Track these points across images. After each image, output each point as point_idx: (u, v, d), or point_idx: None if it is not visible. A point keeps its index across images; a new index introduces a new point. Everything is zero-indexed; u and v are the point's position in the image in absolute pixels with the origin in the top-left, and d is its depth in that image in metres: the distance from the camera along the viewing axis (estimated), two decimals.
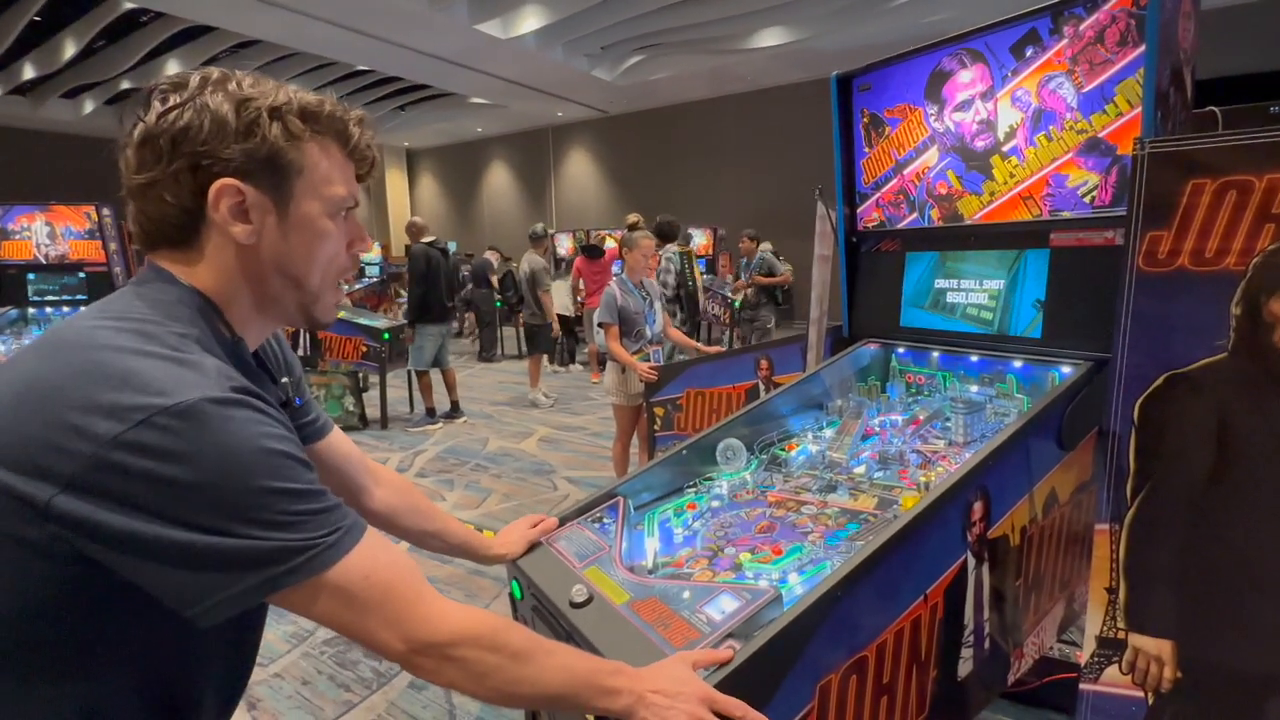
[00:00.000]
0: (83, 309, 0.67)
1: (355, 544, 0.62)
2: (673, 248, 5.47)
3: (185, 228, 0.66)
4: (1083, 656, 1.22)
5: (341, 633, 0.64)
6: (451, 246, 8.33)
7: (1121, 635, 1.17)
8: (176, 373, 0.56)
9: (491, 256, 9.17)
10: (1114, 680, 1.18)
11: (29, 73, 9.99)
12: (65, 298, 4.82)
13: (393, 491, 1.06)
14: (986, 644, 1.23)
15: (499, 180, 15.97)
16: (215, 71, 0.68)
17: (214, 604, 0.56)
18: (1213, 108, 2.42)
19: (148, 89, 0.66)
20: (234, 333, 0.70)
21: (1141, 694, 1.16)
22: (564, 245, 10.09)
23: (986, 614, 1.22)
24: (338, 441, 0.98)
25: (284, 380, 0.83)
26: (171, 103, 0.64)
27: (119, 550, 0.54)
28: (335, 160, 0.71)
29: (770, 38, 9.26)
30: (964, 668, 1.19)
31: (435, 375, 5.66)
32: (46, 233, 4.74)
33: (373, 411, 5.62)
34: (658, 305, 3.51)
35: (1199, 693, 1.12)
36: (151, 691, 0.65)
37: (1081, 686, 1.22)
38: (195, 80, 0.66)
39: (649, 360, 3.30)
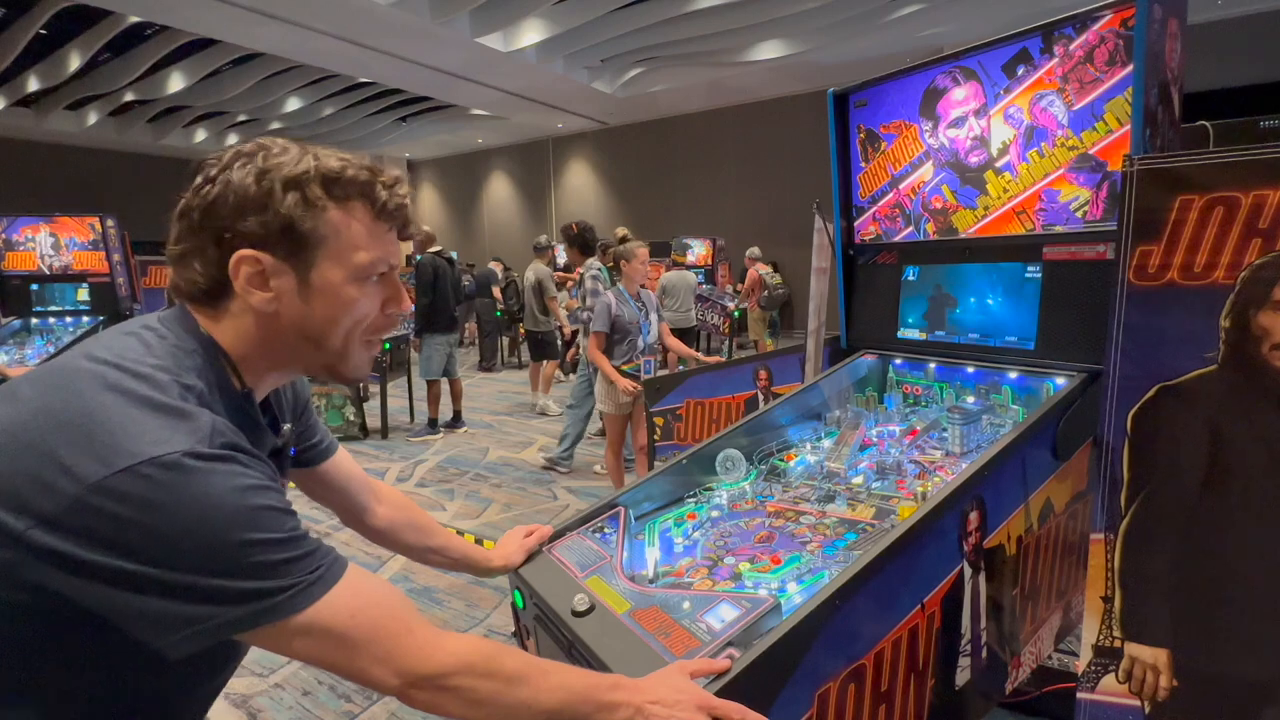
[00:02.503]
0: (101, 336, 0.69)
1: (335, 582, 0.64)
2: (594, 262, 4.45)
3: (214, 293, 0.70)
4: (1080, 665, 1.23)
5: (335, 672, 0.66)
6: (453, 254, 8.37)
7: (1118, 644, 1.18)
8: (169, 424, 0.59)
9: (495, 267, 9.24)
10: (1111, 689, 1.19)
11: (34, 85, 10.06)
12: (69, 308, 4.84)
13: (394, 509, 1.08)
14: (984, 653, 1.24)
15: (499, 191, 16.06)
16: (252, 144, 0.71)
17: (184, 637, 0.58)
18: (1204, 122, 2.45)
19: (194, 166, 0.71)
20: (244, 384, 0.73)
21: (1138, 703, 1.17)
22: (564, 256, 10.13)
23: (983, 623, 1.23)
24: (342, 462, 1.01)
25: (286, 427, 0.84)
26: (207, 177, 0.69)
27: (92, 581, 0.56)
28: (363, 224, 0.72)
29: (768, 51, 9.36)
30: (961, 676, 1.20)
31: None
32: (51, 244, 4.77)
33: (373, 421, 5.63)
34: (653, 316, 3.53)
35: (1196, 701, 1.13)
36: None
37: (1079, 695, 1.22)
38: (230, 154, 0.70)
39: (639, 370, 3.32)
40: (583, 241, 4.61)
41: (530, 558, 1.22)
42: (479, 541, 1.22)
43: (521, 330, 7.49)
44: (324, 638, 0.63)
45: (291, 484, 0.93)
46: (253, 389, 0.75)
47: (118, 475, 0.55)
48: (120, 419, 0.58)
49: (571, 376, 7.90)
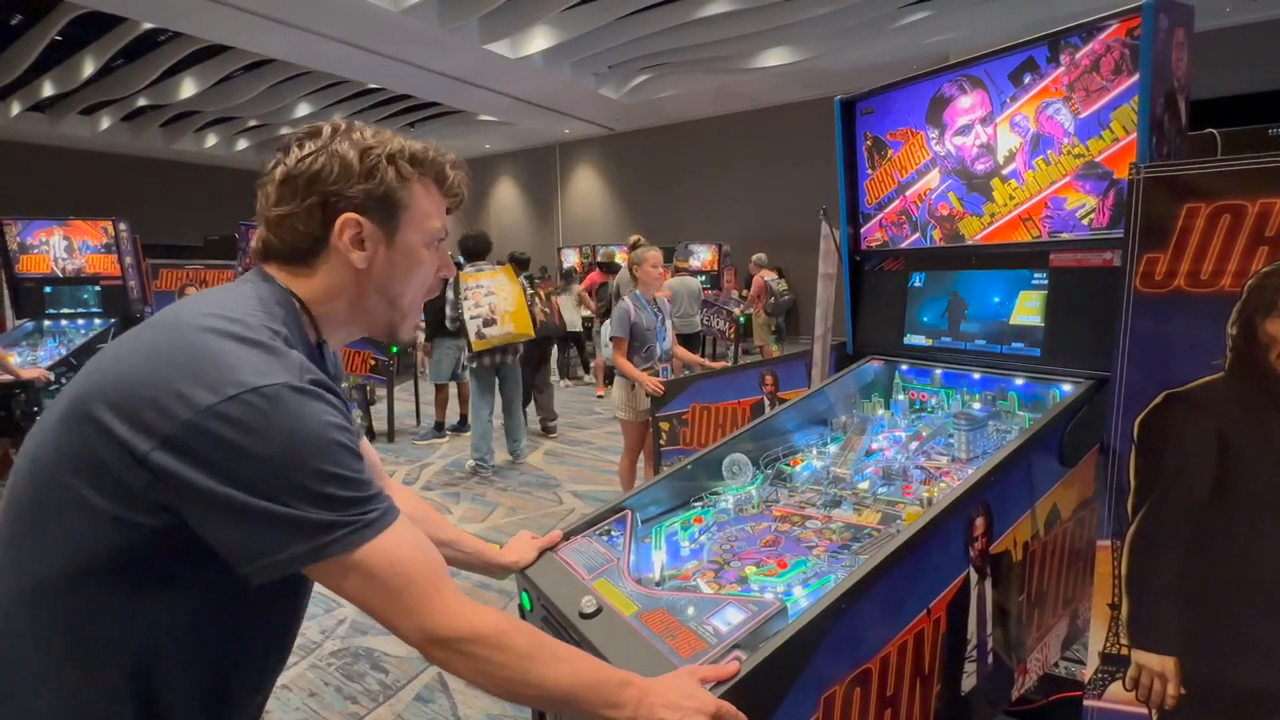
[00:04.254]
0: (189, 298, 0.77)
1: (386, 528, 0.69)
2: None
3: (309, 251, 0.78)
4: (1086, 673, 1.23)
5: (369, 613, 0.70)
6: (460, 259, 8.42)
7: (1125, 651, 1.18)
8: (267, 360, 0.66)
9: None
10: (1118, 697, 1.19)
11: (48, 90, 10.20)
12: (80, 310, 4.89)
13: (405, 502, 1.09)
14: (990, 659, 1.24)
15: (506, 196, 16.14)
16: (343, 122, 0.81)
17: (264, 565, 0.64)
18: (1212, 130, 2.45)
19: (289, 137, 0.80)
20: (320, 335, 0.82)
21: (1145, 710, 1.16)
22: (570, 260, 10.18)
23: (989, 629, 1.23)
24: (364, 449, 1.03)
25: (343, 385, 0.92)
26: (308, 149, 0.77)
27: (194, 504, 0.63)
28: (433, 197, 0.84)
29: (775, 57, 9.39)
30: (967, 682, 1.20)
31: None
32: (64, 247, 4.83)
33: (380, 424, 5.66)
34: (668, 323, 3.54)
35: (1203, 709, 1.12)
36: (197, 660, 0.72)
37: (1086, 703, 1.22)
38: (327, 130, 0.79)
39: (658, 377, 3.32)
40: (464, 249, 4.56)
41: (539, 557, 1.23)
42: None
43: None
44: (366, 580, 0.68)
45: None
46: (326, 340, 0.83)
47: (227, 402, 0.62)
48: (225, 353, 0.65)
49: (572, 382, 7.96)
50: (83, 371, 0.69)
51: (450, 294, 4.38)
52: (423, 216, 0.82)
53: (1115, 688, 1.19)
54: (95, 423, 0.63)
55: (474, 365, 4.45)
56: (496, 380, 4.59)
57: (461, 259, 4.59)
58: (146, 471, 0.62)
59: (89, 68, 9.32)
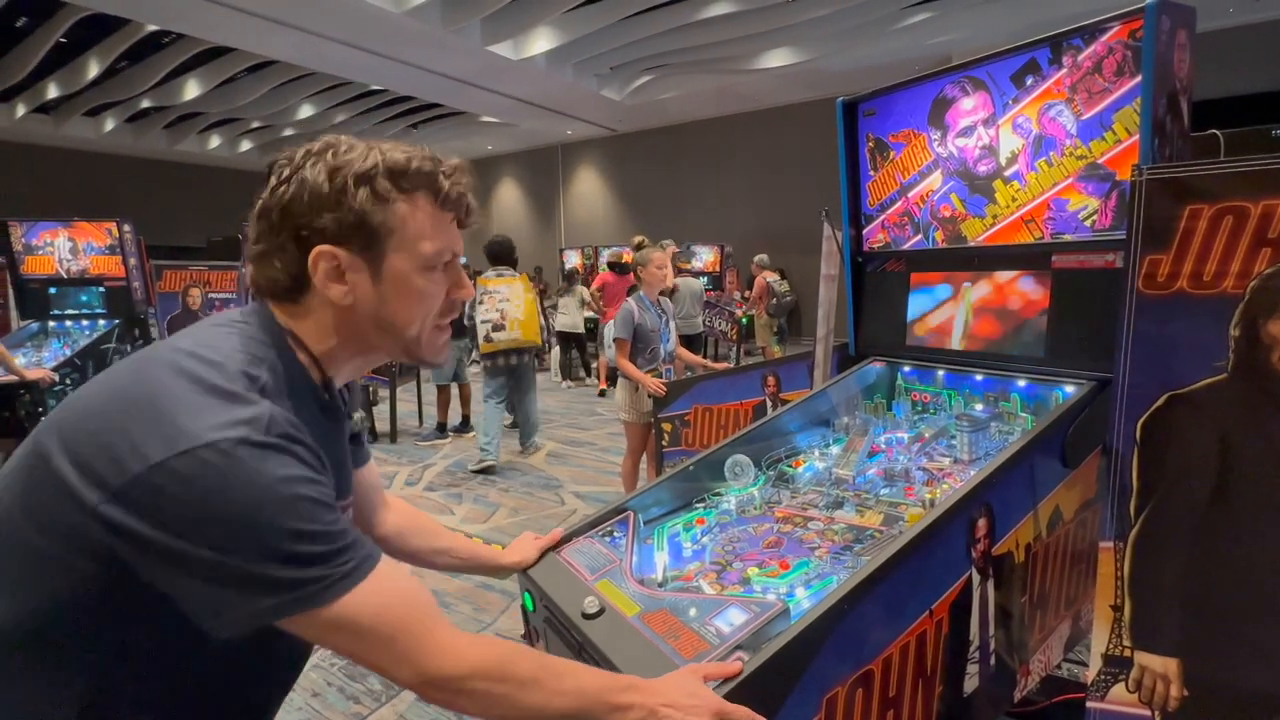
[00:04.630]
0: (191, 327, 0.73)
1: (364, 578, 0.66)
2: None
3: (294, 289, 0.73)
4: (1089, 675, 1.23)
5: (360, 664, 0.68)
6: (462, 260, 8.43)
7: (1128, 653, 1.18)
8: (228, 411, 0.62)
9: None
10: (1121, 699, 1.19)
11: (53, 92, 10.24)
12: (85, 311, 4.91)
13: (400, 515, 1.10)
14: (992, 660, 1.24)
15: (509, 197, 16.16)
16: (319, 142, 0.74)
17: (227, 620, 0.62)
18: (1215, 131, 2.45)
19: (268, 165, 0.74)
20: (325, 373, 0.77)
21: (1148, 712, 1.16)
22: (572, 261, 10.19)
23: (992, 630, 1.23)
24: (369, 473, 1.04)
25: (357, 415, 0.89)
26: (282, 176, 0.72)
27: (147, 558, 0.59)
28: (426, 214, 0.74)
29: (777, 58, 9.40)
30: (970, 684, 1.20)
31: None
32: (69, 248, 4.85)
33: (382, 425, 5.67)
34: (672, 324, 3.55)
35: (1206, 711, 1.12)
36: (160, 704, 0.68)
37: (1088, 704, 1.22)
38: (302, 152, 0.73)
39: (660, 378, 3.32)
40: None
41: (541, 557, 1.23)
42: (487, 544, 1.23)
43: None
44: (351, 631, 0.65)
45: None
46: (333, 377, 0.78)
47: (179, 457, 0.58)
48: (185, 402, 0.61)
49: (575, 383, 7.97)
50: (55, 409, 0.67)
51: (474, 292, 4.51)
52: (414, 239, 0.73)
53: (1118, 689, 1.19)
54: (48, 467, 0.61)
55: (486, 365, 4.65)
56: (507, 380, 4.73)
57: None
58: (96, 524, 0.59)
59: (93, 69, 9.36)
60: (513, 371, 4.71)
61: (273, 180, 0.72)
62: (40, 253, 4.85)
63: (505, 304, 4.52)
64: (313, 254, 0.70)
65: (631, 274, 7.11)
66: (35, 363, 4.28)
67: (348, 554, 0.65)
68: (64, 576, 0.61)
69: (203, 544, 0.58)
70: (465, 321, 4.65)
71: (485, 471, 4.61)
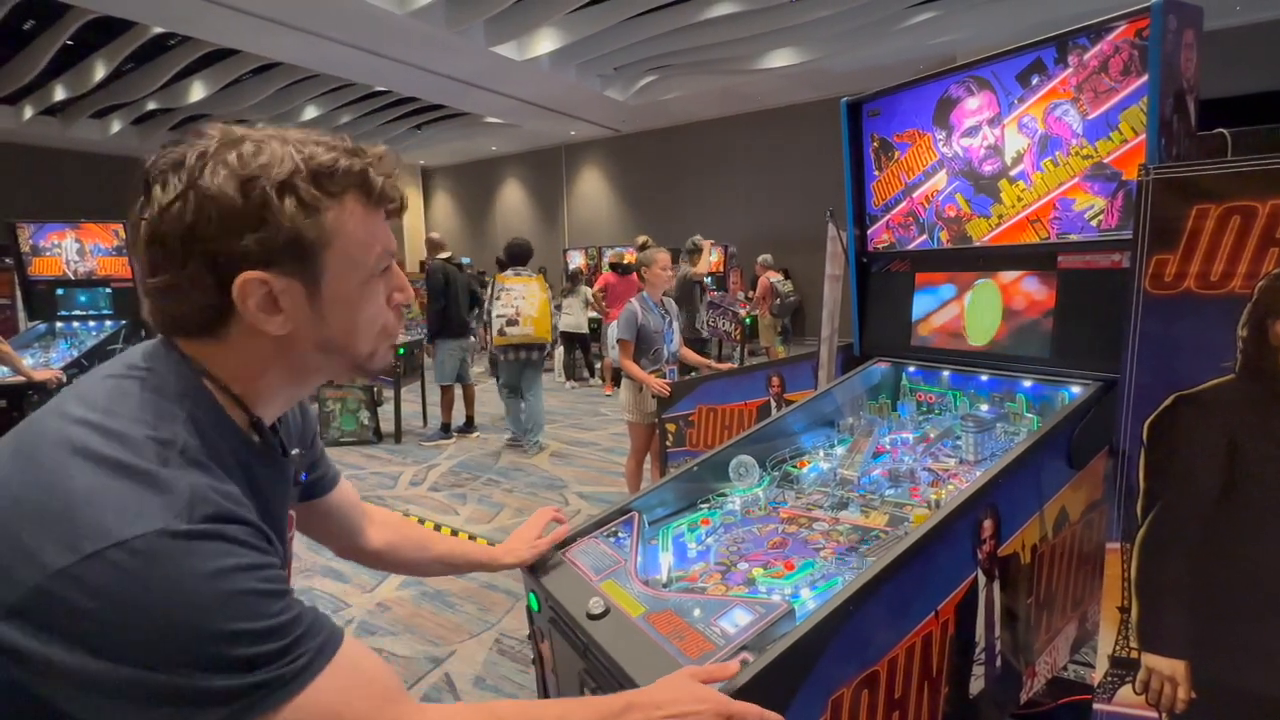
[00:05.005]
0: (80, 383, 0.61)
1: (320, 670, 0.56)
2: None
3: (212, 322, 0.61)
4: (1096, 677, 1.22)
5: None
6: (465, 260, 8.41)
7: (1135, 655, 1.18)
8: (141, 497, 0.52)
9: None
10: (1128, 701, 1.18)
11: (60, 94, 10.31)
12: (92, 312, 4.94)
13: (389, 529, 1.06)
14: (998, 662, 1.24)
15: (512, 198, 16.18)
16: (214, 137, 0.60)
17: None
18: (1222, 130, 2.43)
19: (143, 172, 0.59)
20: (251, 414, 0.65)
21: (1156, 715, 1.16)
22: (575, 261, 10.20)
23: (998, 632, 1.23)
24: (343, 491, 0.98)
25: (295, 452, 0.79)
26: (172, 192, 0.57)
27: (60, 684, 0.49)
28: (358, 217, 0.63)
29: (781, 59, 9.39)
30: (975, 685, 1.20)
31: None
32: (76, 249, 4.88)
33: (387, 426, 5.68)
34: (675, 325, 3.55)
35: (1215, 714, 1.12)
36: None
37: (1095, 706, 1.22)
38: (192, 157, 0.58)
39: (664, 379, 3.33)
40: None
41: (542, 560, 1.23)
42: (491, 544, 1.23)
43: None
44: None
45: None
46: (262, 416, 0.67)
47: (84, 562, 0.48)
48: (86, 492, 0.51)
49: (579, 383, 7.98)
50: None
51: (487, 290, 4.87)
52: (356, 248, 0.63)
53: (1125, 691, 1.18)
54: None
55: (500, 358, 5.09)
56: (517, 373, 5.09)
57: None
58: None
59: (100, 72, 9.41)
60: (522, 366, 5.00)
61: (158, 193, 0.58)
62: (48, 254, 4.88)
63: (520, 301, 4.84)
64: (237, 283, 0.58)
65: (634, 274, 7.13)
66: (43, 363, 4.31)
67: (300, 647, 0.56)
68: None
69: (123, 662, 0.48)
70: (483, 317, 5.04)
71: (514, 443, 5.28)
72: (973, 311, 1.70)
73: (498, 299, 4.83)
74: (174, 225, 0.57)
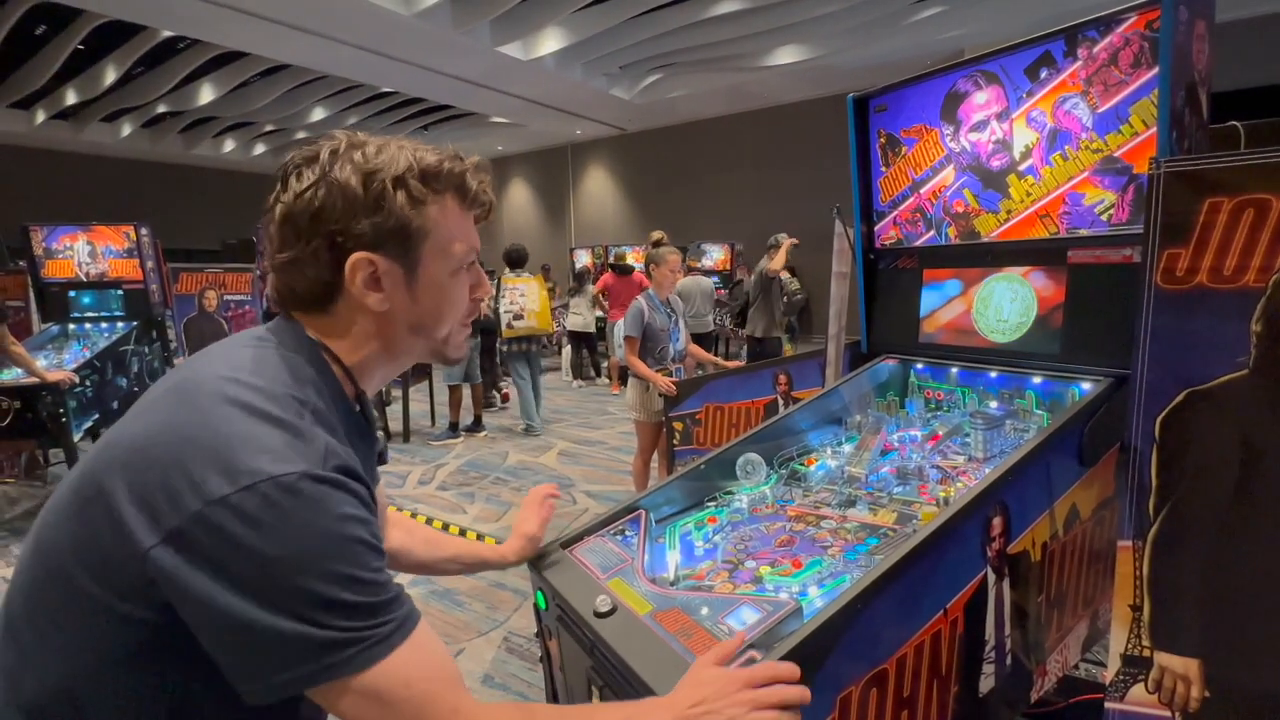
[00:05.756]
0: (212, 350, 0.69)
1: (403, 642, 0.61)
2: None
3: (324, 297, 0.70)
4: (1108, 675, 1.21)
5: None
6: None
7: (1147, 653, 1.17)
8: (289, 443, 0.59)
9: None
10: (1140, 699, 1.17)
11: (71, 98, 10.41)
12: (104, 314, 4.99)
13: (403, 531, 1.10)
14: (1008, 660, 1.23)
15: (519, 197, 16.21)
16: (342, 140, 0.70)
17: (260, 687, 0.58)
18: (1235, 123, 2.40)
19: (286, 164, 0.70)
20: (358, 386, 0.74)
21: (1168, 713, 1.15)
22: (582, 260, 10.20)
23: (1008, 630, 1.22)
24: (379, 490, 1.02)
25: (380, 432, 0.87)
26: (306, 180, 0.68)
27: (192, 611, 0.57)
28: (454, 216, 0.74)
29: (786, 55, 9.35)
30: (985, 684, 1.19)
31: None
32: (88, 252, 4.93)
33: (395, 425, 5.71)
34: (682, 324, 3.54)
35: (1228, 713, 1.11)
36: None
37: (1107, 705, 1.21)
38: (325, 153, 0.69)
39: (671, 377, 3.32)
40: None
41: (543, 553, 1.23)
42: (499, 543, 1.24)
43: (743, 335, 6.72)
44: (374, 701, 0.60)
45: None
46: (364, 389, 0.75)
47: (242, 492, 0.55)
48: (243, 436, 0.58)
49: (586, 383, 7.98)
50: (98, 444, 0.64)
51: (492, 289, 5.11)
52: (447, 241, 0.73)
53: (1137, 690, 1.17)
54: (105, 505, 0.57)
55: (507, 350, 5.79)
56: (526, 361, 5.77)
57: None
58: (148, 567, 0.56)
59: (110, 76, 9.50)
60: (529, 354, 5.77)
61: (293, 182, 0.68)
62: (60, 256, 4.93)
63: (523, 299, 5.64)
64: (350, 261, 0.67)
65: (635, 273, 7.12)
66: (56, 364, 4.35)
67: (390, 609, 0.61)
68: (127, 628, 0.58)
69: (250, 593, 0.55)
70: (491, 313, 5.63)
71: (529, 432, 5.73)
72: (981, 308, 1.69)
73: (502, 297, 5.57)
74: (305, 207, 0.67)
